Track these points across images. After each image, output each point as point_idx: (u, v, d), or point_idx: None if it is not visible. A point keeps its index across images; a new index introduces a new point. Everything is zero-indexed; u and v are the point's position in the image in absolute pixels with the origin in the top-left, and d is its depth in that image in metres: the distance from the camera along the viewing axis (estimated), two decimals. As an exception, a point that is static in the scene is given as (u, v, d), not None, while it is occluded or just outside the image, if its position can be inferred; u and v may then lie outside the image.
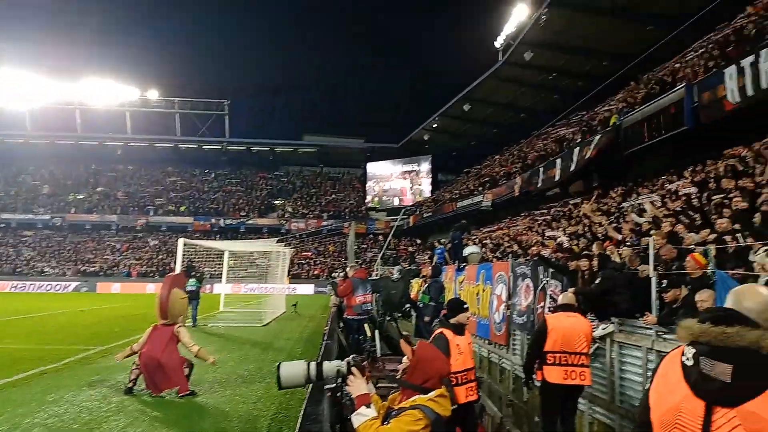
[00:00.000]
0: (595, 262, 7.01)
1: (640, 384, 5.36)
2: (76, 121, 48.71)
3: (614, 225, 10.44)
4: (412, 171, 49.22)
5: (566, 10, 22.85)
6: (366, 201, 50.46)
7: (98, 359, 8.92)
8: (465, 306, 4.68)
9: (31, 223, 45.36)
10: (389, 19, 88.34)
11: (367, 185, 50.93)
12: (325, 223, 46.56)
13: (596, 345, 6.01)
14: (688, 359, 1.44)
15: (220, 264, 18.95)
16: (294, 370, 2.20)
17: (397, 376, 2.49)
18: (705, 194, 8.92)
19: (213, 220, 46.06)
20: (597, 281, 6.14)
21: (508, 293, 8.67)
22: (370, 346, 9.22)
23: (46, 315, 17.13)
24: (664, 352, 1.55)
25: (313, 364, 2.21)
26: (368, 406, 2.19)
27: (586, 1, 21.91)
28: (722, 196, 7.94)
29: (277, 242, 23.75)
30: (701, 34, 17.42)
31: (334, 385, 2.30)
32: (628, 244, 7.83)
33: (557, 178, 20.60)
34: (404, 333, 9.95)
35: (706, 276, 4.97)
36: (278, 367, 2.19)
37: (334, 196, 51.41)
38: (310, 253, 42.96)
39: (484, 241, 19.49)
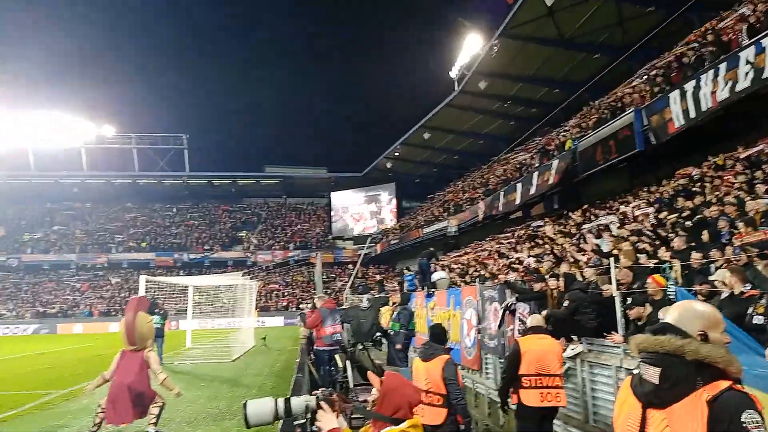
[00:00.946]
0: (561, 282, 7.13)
1: (611, 402, 5.42)
2: (30, 159, 47.11)
3: (575, 246, 10.71)
4: (377, 199, 49.48)
5: (517, 41, 23.80)
6: (332, 230, 50.27)
7: (60, 403, 8.55)
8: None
9: (-15, 266, 43.20)
10: (348, 53, 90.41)
11: (332, 214, 50.82)
12: (291, 253, 46.02)
13: (567, 365, 6.06)
14: (635, 368, 1.61)
15: (185, 299, 18.44)
16: (261, 407, 2.12)
17: (367, 408, 2.43)
18: (661, 214, 9.27)
19: (176, 255, 45.03)
20: (565, 303, 6.23)
21: (477, 317, 8.69)
22: (342, 377, 9.06)
23: (3, 359, 16.35)
24: (632, 370, 1.67)
25: (281, 401, 2.14)
26: (338, 440, 2.12)
27: (534, 32, 22.84)
28: (676, 215, 8.26)
29: (243, 275, 23.25)
30: (645, 61, 18.40)
31: (304, 420, 2.23)
32: (591, 265, 8.00)
33: (518, 201, 21.09)
34: (376, 362, 9.83)
35: (666, 296, 5.12)
36: (244, 405, 2.11)
37: (299, 226, 50.99)
38: (277, 285, 42.24)
39: (452, 266, 19.60)
